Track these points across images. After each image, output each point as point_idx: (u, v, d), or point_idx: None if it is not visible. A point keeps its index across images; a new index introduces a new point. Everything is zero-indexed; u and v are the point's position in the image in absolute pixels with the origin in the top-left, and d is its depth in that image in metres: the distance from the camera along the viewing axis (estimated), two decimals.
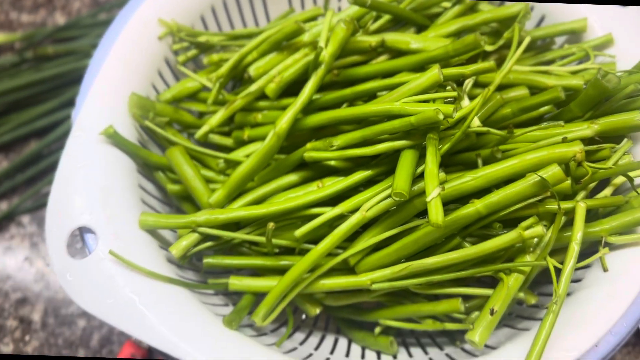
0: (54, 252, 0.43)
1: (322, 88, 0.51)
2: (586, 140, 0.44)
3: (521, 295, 0.44)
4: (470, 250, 0.42)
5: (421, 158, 0.43)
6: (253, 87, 0.52)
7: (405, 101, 0.43)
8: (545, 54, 0.53)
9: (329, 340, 0.54)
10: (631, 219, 0.43)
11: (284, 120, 0.48)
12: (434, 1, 0.53)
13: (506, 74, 0.45)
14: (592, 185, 0.45)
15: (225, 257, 0.49)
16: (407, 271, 0.43)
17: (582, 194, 0.44)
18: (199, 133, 0.54)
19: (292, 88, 0.52)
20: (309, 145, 0.48)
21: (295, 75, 0.51)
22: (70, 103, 0.75)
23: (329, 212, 0.45)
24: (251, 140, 0.53)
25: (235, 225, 0.49)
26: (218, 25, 0.59)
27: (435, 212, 0.39)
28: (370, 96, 0.50)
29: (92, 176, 0.46)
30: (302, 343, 0.52)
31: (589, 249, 0.45)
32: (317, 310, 0.50)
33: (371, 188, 0.45)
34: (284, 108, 0.52)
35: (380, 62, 0.51)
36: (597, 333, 0.40)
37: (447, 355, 0.49)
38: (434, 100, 0.43)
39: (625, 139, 0.44)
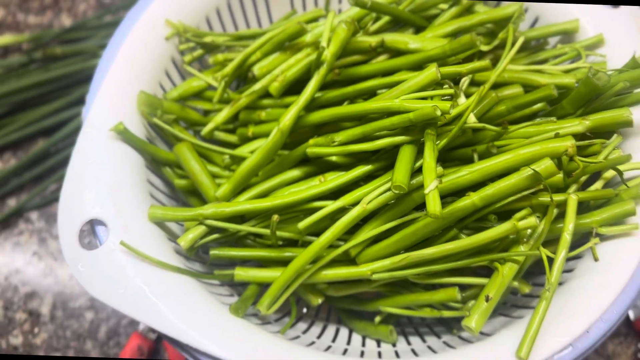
0: (66, 243, 0.44)
1: (324, 86, 0.52)
2: (578, 136, 0.45)
3: (515, 284, 0.45)
4: (466, 241, 0.43)
5: (419, 153, 0.44)
6: (257, 86, 0.53)
7: (404, 98, 0.44)
8: (539, 54, 0.54)
9: (331, 329, 0.55)
10: (621, 210, 0.44)
11: (287, 118, 0.48)
12: (431, 3, 0.54)
13: (501, 73, 0.46)
14: (583, 178, 0.46)
15: (231, 249, 0.50)
16: (406, 262, 0.44)
17: (573, 187, 0.45)
18: (205, 130, 0.55)
19: (295, 87, 0.53)
20: (311, 141, 0.49)
21: (298, 74, 0.52)
22: (77, 102, 0.76)
23: (331, 206, 0.46)
24: (255, 137, 0.54)
25: (240, 218, 0.50)
26: (222, 26, 0.60)
27: (433, 204, 0.40)
28: (371, 94, 0.50)
29: (102, 171, 0.47)
30: (304, 332, 0.53)
31: (581, 240, 0.46)
32: (319, 300, 0.51)
33: (371, 182, 0.45)
34: (287, 106, 0.53)
35: (380, 62, 0.52)
36: (588, 320, 0.41)
37: (444, 342, 0.50)
38: (431, 97, 0.44)
39: (615, 135, 0.45)
